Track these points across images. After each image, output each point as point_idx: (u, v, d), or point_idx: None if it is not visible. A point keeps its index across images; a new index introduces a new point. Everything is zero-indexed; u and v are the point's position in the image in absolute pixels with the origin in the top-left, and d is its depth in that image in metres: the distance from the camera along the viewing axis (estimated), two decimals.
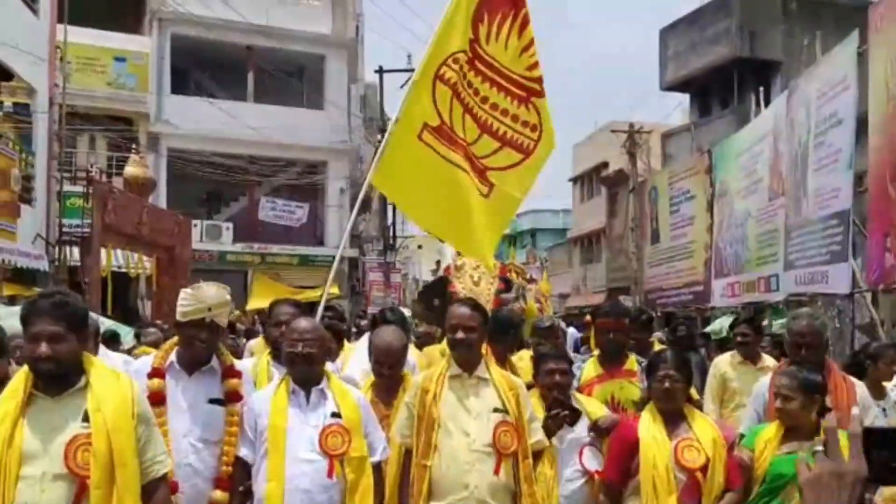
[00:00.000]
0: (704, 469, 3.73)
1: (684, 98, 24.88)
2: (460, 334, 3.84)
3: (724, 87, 22.00)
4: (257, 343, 9.93)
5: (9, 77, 13.79)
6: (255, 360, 4.79)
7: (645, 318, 6.18)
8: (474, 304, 4.00)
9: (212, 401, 3.77)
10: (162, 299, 17.64)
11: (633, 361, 4.92)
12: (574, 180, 40.49)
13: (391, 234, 30.96)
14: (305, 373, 3.71)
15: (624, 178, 28.39)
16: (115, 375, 3.06)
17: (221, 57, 23.90)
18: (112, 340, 8.28)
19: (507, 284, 8.01)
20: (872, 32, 9.32)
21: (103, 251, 14.67)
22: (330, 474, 3.56)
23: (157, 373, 3.87)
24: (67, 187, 16.68)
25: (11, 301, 12.78)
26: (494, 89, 5.45)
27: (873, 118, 9.24)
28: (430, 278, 33.91)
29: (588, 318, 6.47)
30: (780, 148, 12.36)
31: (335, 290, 22.81)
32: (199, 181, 23.55)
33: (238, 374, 3.86)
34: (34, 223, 14.16)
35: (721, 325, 13.68)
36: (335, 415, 3.65)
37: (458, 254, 8.07)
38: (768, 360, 6.19)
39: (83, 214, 15.93)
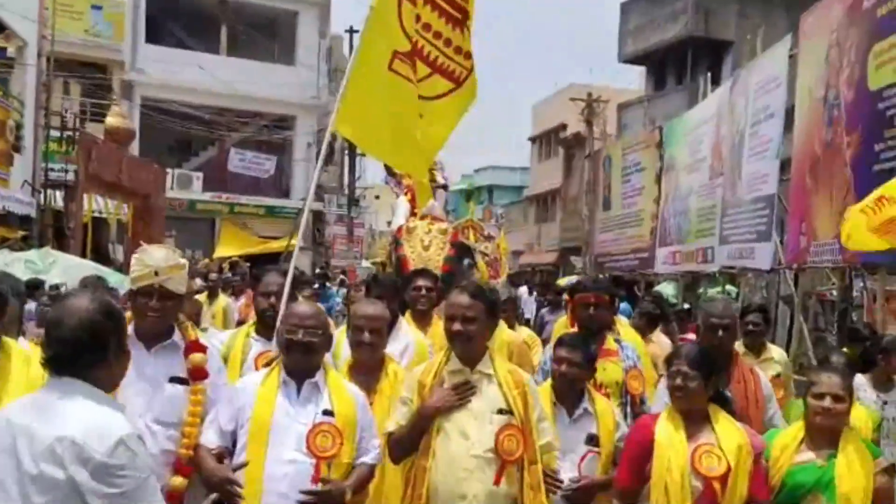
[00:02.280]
0: (724, 478, 3.36)
1: (641, 70, 26.04)
2: (458, 325, 3.40)
3: (679, 63, 23.18)
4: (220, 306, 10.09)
5: (1, 29, 14.40)
6: (229, 335, 4.49)
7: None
8: (475, 291, 3.50)
9: (172, 379, 3.39)
10: (136, 247, 18.54)
11: (611, 340, 4.65)
12: (533, 140, 41.57)
13: (354, 188, 31.85)
14: (302, 363, 3.36)
15: (581, 140, 29.55)
16: (26, 359, 2.78)
17: (196, 9, 24.43)
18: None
19: (457, 250, 7.47)
20: (802, 39, 10.50)
21: (85, 198, 15.48)
22: (316, 478, 3.20)
23: None
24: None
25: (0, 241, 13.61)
26: (428, 7, 5.01)
27: (798, 116, 10.47)
28: (385, 230, 34.86)
29: (566, 296, 6.11)
30: (722, 132, 13.57)
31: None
32: (170, 130, 24.20)
33: (202, 349, 3.48)
34: (22, 170, 14.90)
35: (662, 290, 15.04)
36: (328, 412, 3.30)
37: (413, 215, 7.79)
38: (773, 351, 5.79)
39: (64, 161, 16.70)
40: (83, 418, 2.20)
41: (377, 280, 5.46)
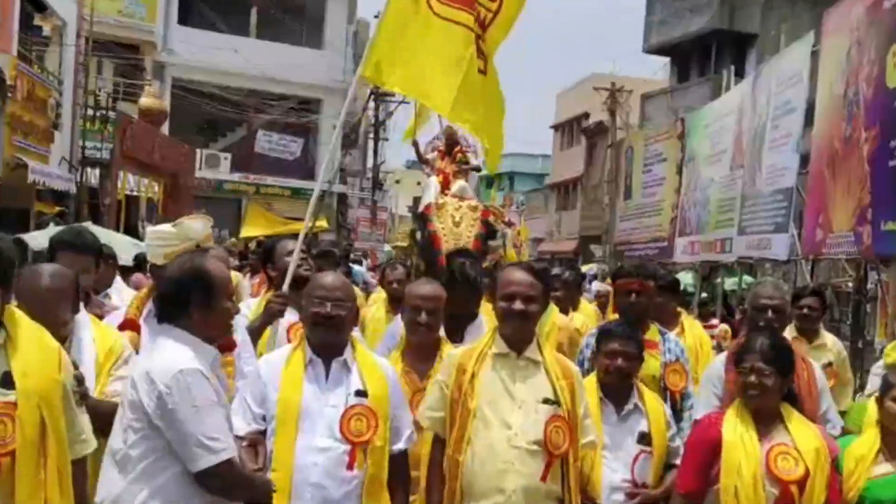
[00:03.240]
0: (802, 483, 3.07)
1: (666, 61, 26.22)
2: (519, 304, 3.18)
3: (703, 55, 23.36)
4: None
5: (42, 8, 14.86)
6: (256, 302, 4.33)
7: (671, 282, 5.51)
8: (533, 269, 3.37)
9: None
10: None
11: (654, 331, 4.39)
12: (555, 128, 41.80)
13: (378, 171, 32.26)
14: (329, 339, 3.14)
15: (603, 130, 29.78)
16: (40, 332, 2.66)
17: None
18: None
19: (488, 228, 7.21)
20: (824, 36, 10.74)
21: (120, 175, 15.97)
22: (351, 465, 2.99)
23: (129, 324, 3.45)
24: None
25: (39, 217, 14.10)
26: None
27: (818, 112, 10.72)
28: (406, 213, 35.23)
29: (608, 280, 5.39)
30: (744, 125, 13.82)
31: (323, 224, 24.24)
32: (199, 111, 24.68)
33: None
34: (61, 147, 15.39)
35: (680, 279, 15.35)
36: (360, 393, 3.08)
37: (443, 192, 7.52)
38: (826, 338, 5.45)
39: (97, 138, 17.20)
40: (162, 355, 2.64)
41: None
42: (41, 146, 13.59)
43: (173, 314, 2.74)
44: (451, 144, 8.44)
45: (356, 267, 18.68)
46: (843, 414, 4.61)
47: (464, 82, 4.57)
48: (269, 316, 3.92)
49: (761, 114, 12.86)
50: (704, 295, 14.12)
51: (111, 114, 18.07)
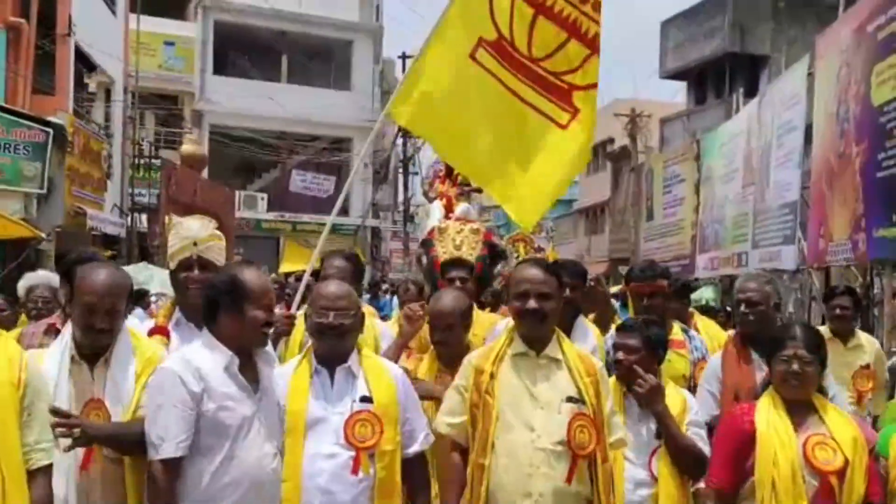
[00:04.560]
0: (841, 474, 2.98)
1: (682, 85, 26.94)
2: (533, 303, 3.11)
3: (718, 78, 24.05)
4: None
5: (92, 68, 16.07)
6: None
7: (680, 284, 5.45)
8: (547, 265, 3.33)
9: None
10: None
11: (677, 330, 4.33)
12: None
13: (409, 205, 33.21)
14: (334, 348, 3.16)
15: (627, 154, 30.46)
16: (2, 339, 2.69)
17: (258, 41, 26.13)
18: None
19: (491, 250, 6.93)
20: (818, 58, 11.47)
21: (166, 218, 17.01)
22: (355, 470, 3.03)
23: (158, 330, 3.49)
24: None
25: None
26: None
27: (816, 130, 11.43)
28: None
29: (623, 282, 5.60)
30: (752, 143, 14.53)
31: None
32: (235, 154, 25.88)
33: None
34: (112, 194, 16.53)
35: (702, 294, 16.00)
36: (365, 399, 3.11)
37: (447, 216, 7.38)
38: (862, 338, 5.27)
39: (143, 185, 18.35)
40: (175, 355, 2.99)
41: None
42: (96, 195, 14.69)
43: (207, 318, 2.98)
44: (451, 166, 8.64)
45: (387, 298, 19.49)
46: (876, 420, 4.60)
47: (506, 137, 4.39)
48: (277, 335, 3.90)
49: (767, 133, 13.59)
50: (729, 308, 14.74)
51: (155, 161, 19.22)
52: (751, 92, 19.14)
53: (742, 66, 23.00)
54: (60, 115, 12.54)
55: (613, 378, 3.59)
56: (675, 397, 3.57)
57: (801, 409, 3.13)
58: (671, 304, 4.63)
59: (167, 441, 2.77)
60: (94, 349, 2.94)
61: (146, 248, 17.29)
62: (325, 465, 3.03)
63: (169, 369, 2.85)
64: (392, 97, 4.52)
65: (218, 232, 3.64)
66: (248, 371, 2.98)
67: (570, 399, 3.08)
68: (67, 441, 2.69)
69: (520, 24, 4.31)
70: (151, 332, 3.44)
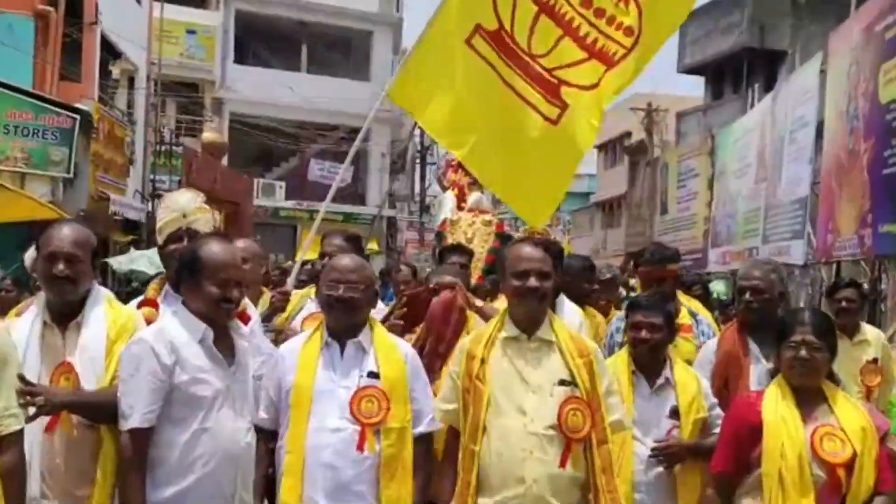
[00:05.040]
0: (850, 465, 2.93)
1: (700, 80, 26.99)
2: (533, 281, 3.03)
3: (736, 73, 24.09)
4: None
5: (117, 55, 16.41)
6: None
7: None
8: (545, 244, 3.27)
9: None
10: None
11: (685, 314, 4.29)
12: (599, 147, 42.52)
13: (425, 195, 33.46)
14: (344, 321, 3.13)
15: (644, 148, 30.51)
16: None
17: (278, 31, 26.42)
18: None
19: (502, 242, 7.00)
20: (830, 56, 11.61)
21: None
22: (360, 447, 3.00)
23: (148, 302, 3.48)
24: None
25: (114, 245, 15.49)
26: None
27: (827, 126, 11.58)
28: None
29: (632, 264, 5.12)
30: (766, 139, 14.68)
31: (374, 246, 25.46)
32: (254, 142, 26.18)
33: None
34: (134, 180, 16.88)
35: (714, 288, 16.15)
36: (373, 374, 3.09)
37: (459, 206, 7.48)
38: (868, 332, 5.15)
39: (163, 172, 18.69)
40: (155, 325, 3.01)
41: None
42: (119, 180, 15.04)
43: (176, 289, 3.11)
44: None
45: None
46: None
47: (519, 158, 4.41)
48: (272, 311, 4.10)
49: (780, 128, 13.73)
50: None
51: (176, 149, 19.55)
52: (769, 87, 19.20)
53: (760, 61, 23.03)
54: (86, 102, 12.87)
55: (619, 356, 3.62)
56: (690, 380, 3.56)
57: (809, 397, 3.06)
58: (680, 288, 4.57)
59: (136, 412, 2.76)
60: (62, 308, 2.93)
61: None
62: (329, 438, 3.00)
63: (142, 340, 2.85)
64: (392, 78, 4.61)
65: (206, 205, 3.63)
66: (223, 344, 2.95)
67: (562, 382, 3.02)
68: (32, 409, 2.66)
69: (522, 19, 4.37)
70: (141, 305, 3.45)
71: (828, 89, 11.60)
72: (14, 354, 2.64)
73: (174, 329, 2.88)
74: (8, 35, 11.93)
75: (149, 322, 3.15)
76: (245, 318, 3.33)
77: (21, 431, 2.56)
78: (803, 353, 3.03)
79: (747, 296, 3.89)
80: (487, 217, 7.17)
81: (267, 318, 4.03)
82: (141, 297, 3.57)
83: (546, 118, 4.41)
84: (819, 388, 3.08)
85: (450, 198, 7.68)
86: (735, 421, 3.17)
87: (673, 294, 4.31)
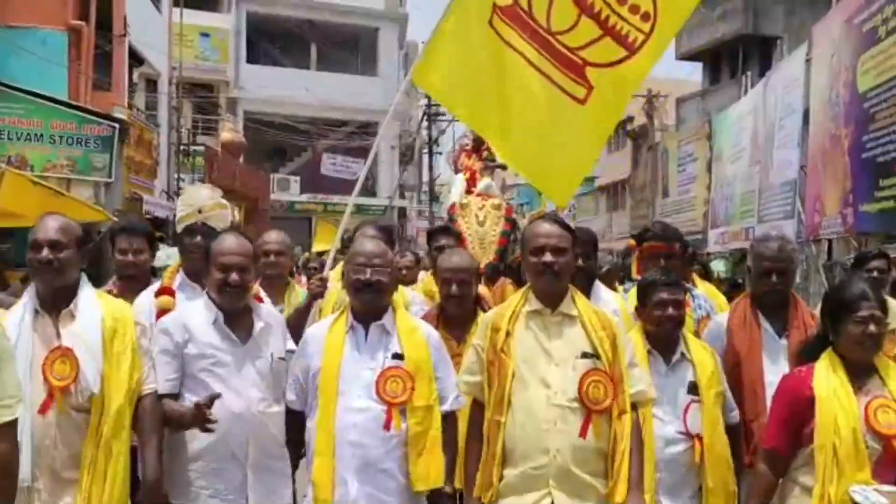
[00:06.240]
0: None
1: (697, 66, 27.71)
2: (549, 257, 3.09)
3: (732, 59, 24.84)
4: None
5: (141, 62, 17.28)
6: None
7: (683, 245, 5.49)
8: (560, 220, 3.27)
9: None
10: None
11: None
12: None
13: (433, 185, 34.30)
14: (369, 304, 3.25)
15: (646, 133, 31.28)
16: None
17: (288, 31, 27.28)
18: None
19: (513, 225, 7.10)
20: (814, 46, 12.39)
21: None
22: (387, 426, 3.12)
23: (164, 290, 3.68)
24: None
25: None
26: None
27: (812, 112, 12.36)
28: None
29: (631, 241, 5.56)
30: (758, 124, 15.44)
31: None
32: (268, 139, 27.07)
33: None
34: (160, 180, 17.79)
35: (715, 267, 16.97)
36: (397, 356, 3.21)
37: (469, 190, 7.40)
38: (892, 303, 5.10)
39: (184, 171, 19.59)
40: (176, 311, 3.45)
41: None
42: (148, 181, 15.95)
43: (190, 277, 3.67)
44: (479, 141, 8.09)
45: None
46: None
47: (543, 139, 4.40)
48: (312, 297, 4.21)
49: (771, 114, 14.49)
50: (740, 280, 15.72)
51: (196, 148, 20.44)
52: (763, 73, 19.94)
53: (755, 47, 23.76)
54: (118, 110, 13.73)
55: (634, 331, 3.59)
56: (706, 355, 3.57)
57: (861, 371, 3.04)
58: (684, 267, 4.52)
59: (160, 381, 3.18)
60: (53, 296, 3.05)
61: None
62: (356, 418, 3.12)
63: (161, 323, 3.30)
64: (415, 63, 4.58)
65: (223, 200, 3.80)
66: (241, 325, 3.26)
67: (584, 355, 3.06)
68: (35, 398, 2.90)
69: None
70: (159, 293, 3.66)
71: (812, 78, 12.35)
72: (7, 346, 2.53)
73: (192, 313, 3.29)
74: (42, 49, 12.73)
75: (165, 311, 3.51)
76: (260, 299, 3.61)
77: (14, 422, 2.41)
78: (872, 328, 2.99)
79: (774, 278, 3.78)
80: (496, 201, 7.23)
81: (308, 306, 4.20)
82: (157, 285, 3.77)
83: (574, 98, 4.35)
84: (872, 361, 3.06)
85: (460, 180, 7.68)
86: (786, 396, 3.14)
87: (678, 270, 4.18)
